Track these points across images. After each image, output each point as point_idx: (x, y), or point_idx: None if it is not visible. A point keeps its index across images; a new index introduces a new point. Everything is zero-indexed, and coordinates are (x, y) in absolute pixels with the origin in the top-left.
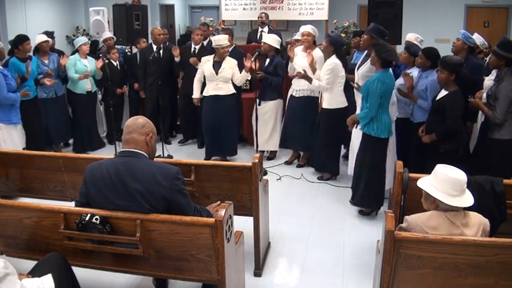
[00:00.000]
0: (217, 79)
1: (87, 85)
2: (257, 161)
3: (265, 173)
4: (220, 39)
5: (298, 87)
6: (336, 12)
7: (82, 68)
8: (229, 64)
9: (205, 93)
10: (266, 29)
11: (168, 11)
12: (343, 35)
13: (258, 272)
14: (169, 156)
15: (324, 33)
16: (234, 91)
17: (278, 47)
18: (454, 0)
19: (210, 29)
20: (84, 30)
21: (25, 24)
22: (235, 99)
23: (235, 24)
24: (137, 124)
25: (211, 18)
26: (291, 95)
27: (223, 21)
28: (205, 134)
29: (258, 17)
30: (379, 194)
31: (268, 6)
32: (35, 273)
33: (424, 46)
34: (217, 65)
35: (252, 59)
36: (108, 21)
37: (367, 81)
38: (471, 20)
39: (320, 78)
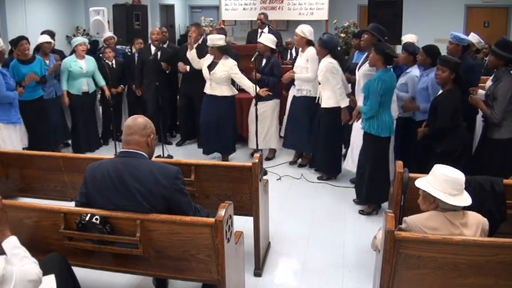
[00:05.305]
0: (211, 79)
1: (83, 86)
2: (257, 161)
3: (265, 173)
4: (213, 38)
5: (298, 87)
6: (336, 12)
7: (77, 70)
8: (224, 67)
9: (205, 91)
10: (266, 29)
11: (168, 11)
12: (342, 35)
13: (258, 272)
14: (169, 156)
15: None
16: (228, 94)
17: (274, 47)
18: (454, 0)
19: (210, 29)
20: (84, 30)
21: (25, 24)
22: (230, 101)
23: (235, 24)
24: (138, 125)
25: (211, 18)
26: (293, 95)
27: (223, 21)
28: (202, 132)
29: (257, 18)
30: (381, 192)
31: (268, 6)
32: None
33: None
34: (213, 65)
35: (252, 59)
36: (108, 21)
37: (367, 81)
38: (471, 20)
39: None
